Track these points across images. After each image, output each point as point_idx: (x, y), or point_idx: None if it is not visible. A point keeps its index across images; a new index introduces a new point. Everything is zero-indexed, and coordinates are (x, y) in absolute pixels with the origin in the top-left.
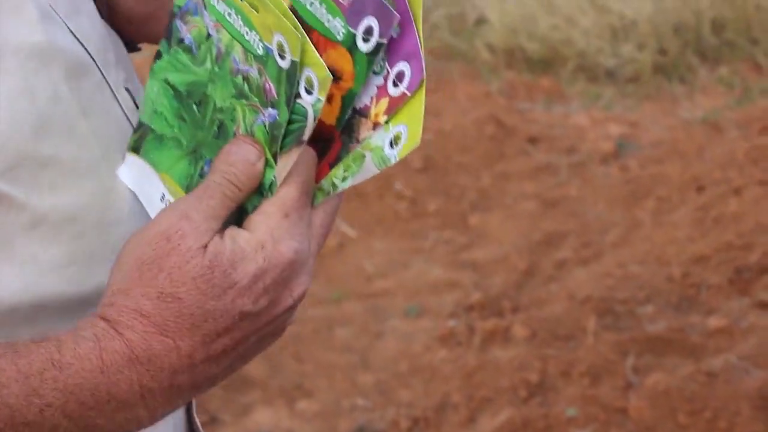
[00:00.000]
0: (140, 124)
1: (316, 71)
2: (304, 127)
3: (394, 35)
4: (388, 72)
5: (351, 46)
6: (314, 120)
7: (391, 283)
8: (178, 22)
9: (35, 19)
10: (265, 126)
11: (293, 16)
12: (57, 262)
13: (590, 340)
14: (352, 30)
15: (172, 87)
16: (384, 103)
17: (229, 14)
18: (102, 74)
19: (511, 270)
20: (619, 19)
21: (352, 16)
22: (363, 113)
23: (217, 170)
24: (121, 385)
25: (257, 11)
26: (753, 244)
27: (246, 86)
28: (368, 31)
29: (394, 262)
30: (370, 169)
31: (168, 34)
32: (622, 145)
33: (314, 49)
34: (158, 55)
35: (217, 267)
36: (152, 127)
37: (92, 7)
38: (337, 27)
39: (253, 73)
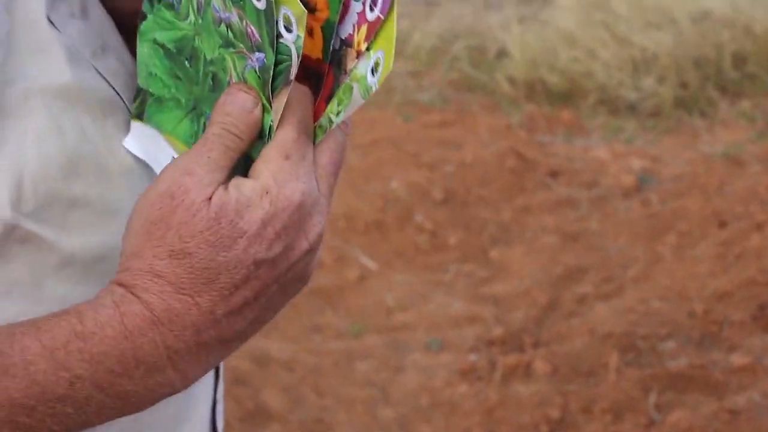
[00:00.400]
0: (138, 90)
1: (291, 8)
2: (290, 65)
3: None
4: None
5: None
6: (298, 57)
7: (412, 317)
8: None
9: (62, 59)
10: (255, 71)
11: None
12: (84, 300)
13: (612, 377)
14: None
15: (162, 46)
16: (364, 30)
17: None
18: (129, 112)
19: (532, 304)
20: (640, 53)
21: None
22: (348, 43)
23: (215, 122)
24: (146, 348)
25: None
26: None
27: (230, 34)
28: None
29: (415, 295)
30: (357, 100)
31: None
32: (644, 179)
33: None
34: (143, 17)
35: (224, 217)
36: (150, 90)
37: (120, 42)
38: None
39: (234, 19)
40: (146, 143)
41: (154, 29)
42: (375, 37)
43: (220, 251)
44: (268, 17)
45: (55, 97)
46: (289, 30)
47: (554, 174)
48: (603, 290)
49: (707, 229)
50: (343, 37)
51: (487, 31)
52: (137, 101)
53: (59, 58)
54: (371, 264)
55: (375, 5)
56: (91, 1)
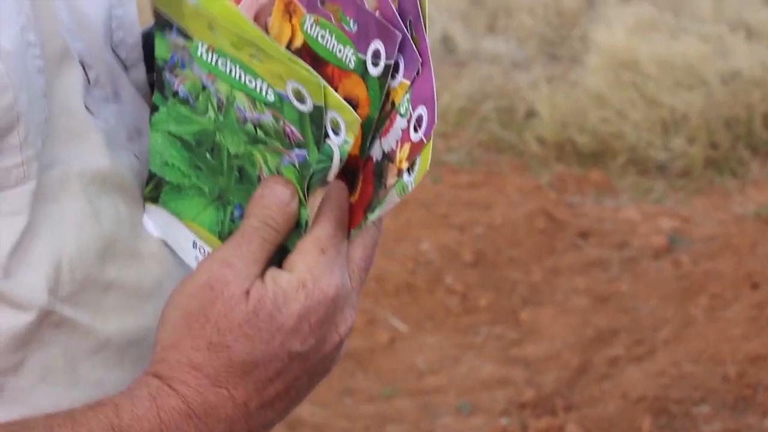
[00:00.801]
0: (152, 175)
1: (342, 114)
2: (329, 167)
3: (416, 74)
4: (411, 115)
5: (363, 72)
6: (341, 161)
7: (443, 380)
8: (167, 75)
9: (100, 144)
10: (294, 166)
11: (301, 61)
12: (120, 385)
13: None
14: (362, 56)
15: (179, 138)
16: (406, 148)
17: (224, 65)
18: None
19: (563, 367)
20: (669, 113)
21: (359, 43)
22: (390, 158)
23: (253, 214)
24: None
25: (260, 61)
26: None
27: (260, 132)
28: (376, 55)
29: (446, 357)
30: (393, 199)
31: (160, 86)
32: (675, 239)
33: (335, 92)
34: (155, 108)
35: (262, 311)
36: (166, 178)
37: None
38: (348, 55)
39: (267, 119)
40: (164, 225)
41: (168, 121)
42: (415, 161)
43: (257, 345)
44: (316, 120)
45: (92, 181)
46: (336, 133)
47: (584, 235)
48: (635, 353)
49: (740, 291)
50: (386, 151)
51: (515, 92)
52: (150, 185)
53: (96, 142)
54: (402, 326)
55: (419, 127)
56: (124, 85)
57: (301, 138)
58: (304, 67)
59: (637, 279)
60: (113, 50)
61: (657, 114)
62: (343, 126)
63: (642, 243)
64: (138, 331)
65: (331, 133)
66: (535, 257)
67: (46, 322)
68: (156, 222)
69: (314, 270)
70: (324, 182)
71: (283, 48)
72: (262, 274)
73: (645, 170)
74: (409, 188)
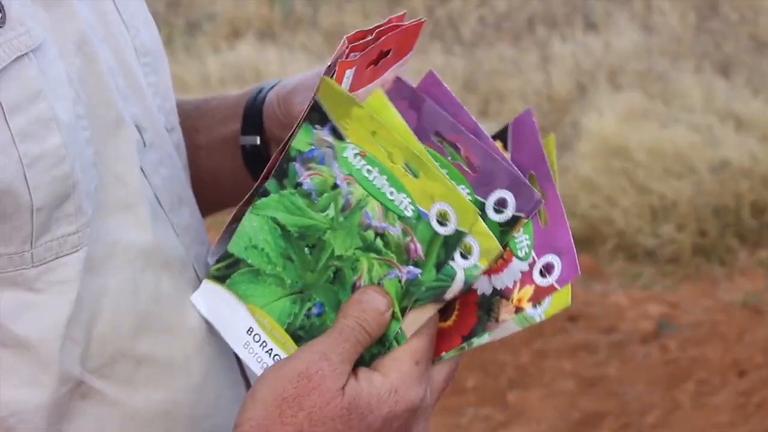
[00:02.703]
0: (228, 255)
1: (481, 240)
2: (448, 287)
3: (542, 224)
4: (535, 261)
5: (480, 214)
6: (464, 284)
7: None
8: (296, 166)
9: (146, 217)
10: (399, 281)
11: (458, 188)
12: None
13: None
14: (480, 198)
15: (281, 227)
16: (529, 290)
17: (369, 171)
18: (194, 270)
19: None
20: (659, 200)
21: (479, 187)
22: (504, 295)
23: (351, 315)
24: None
25: (416, 176)
26: None
27: (379, 242)
28: (501, 203)
29: None
30: (511, 328)
31: (280, 174)
32: (662, 325)
33: (483, 221)
34: (264, 193)
35: (355, 410)
36: (248, 261)
37: (192, 195)
38: (463, 194)
39: (393, 231)
40: (218, 305)
41: (276, 208)
42: (548, 301)
43: None
44: (450, 243)
45: (137, 256)
46: (464, 257)
47: (572, 318)
48: None
49: (727, 378)
50: (499, 288)
51: None
52: (222, 264)
53: (143, 214)
54: None
55: (549, 273)
56: (170, 149)
57: (423, 258)
58: (461, 194)
59: (624, 363)
60: None
61: (646, 201)
62: (476, 251)
63: (630, 328)
64: (165, 404)
65: (457, 256)
66: (523, 339)
67: (76, 393)
68: (208, 301)
69: (406, 379)
70: (438, 300)
71: (443, 171)
72: (353, 372)
73: (634, 256)
74: (537, 319)
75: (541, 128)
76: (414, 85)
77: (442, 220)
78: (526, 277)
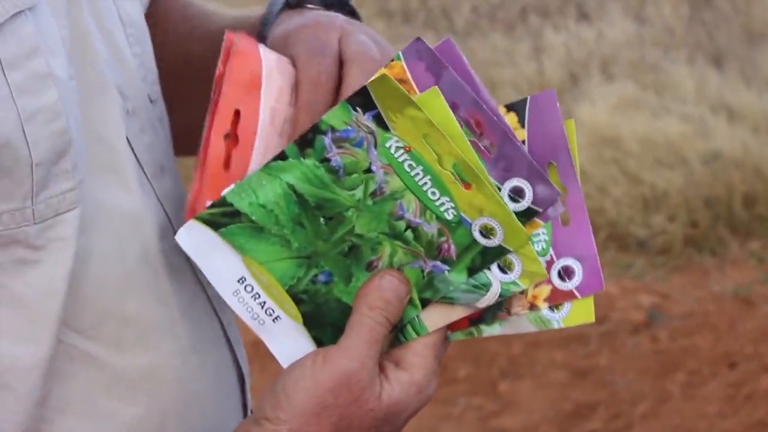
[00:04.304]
0: (225, 202)
1: (525, 262)
2: (482, 295)
3: (563, 225)
4: (553, 260)
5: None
6: (499, 297)
7: None
8: (326, 141)
9: (132, 180)
10: (422, 271)
11: (509, 208)
12: (132, 420)
13: None
14: (495, 182)
15: (298, 194)
16: (545, 289)
17: (411, 167)
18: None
19: None
20: (650, 191)
21: (493, 170)
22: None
23: (376, 307)
24: None
25: (468, 185)
26: None
27: (410, 234)
28: (517, 192)
29: (424, 428)
30: (525, 327)
31: (303, 143)
32: (653, 315)
33: (533, 247)
34: (282, 156)
35: (390, 416)
36: (252, 217)
37: (174, 163)
38: (514, 216)
39: (429, 228)
40: (206, 248)
41: (295, 175)
42: (563, 307)
43: None
44: (490, 255)
45: (122, 219)
46: (503, 270)
47: None
48: (612, 427)
49: (717, 369)
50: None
51: None
52: (217, 210)
53: (129, 178)
54: None
55: (568, 278)
56: (153, 119)
57: (455, 259)
58: (513, 215)
59: (615, 354)
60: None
61: (638, 191)
62: (518, 269)
63: (620, 318)
64: (151, 367)
65: (495, 267)
66: None
67: (62, 353)
68: (195, 241)
69: (429, 375)
70: (470, 306)
71: (494, 188)
72: (380, 369)
73: (625, 246)
74: (554, 325)
75: None
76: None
77: (487, 233)
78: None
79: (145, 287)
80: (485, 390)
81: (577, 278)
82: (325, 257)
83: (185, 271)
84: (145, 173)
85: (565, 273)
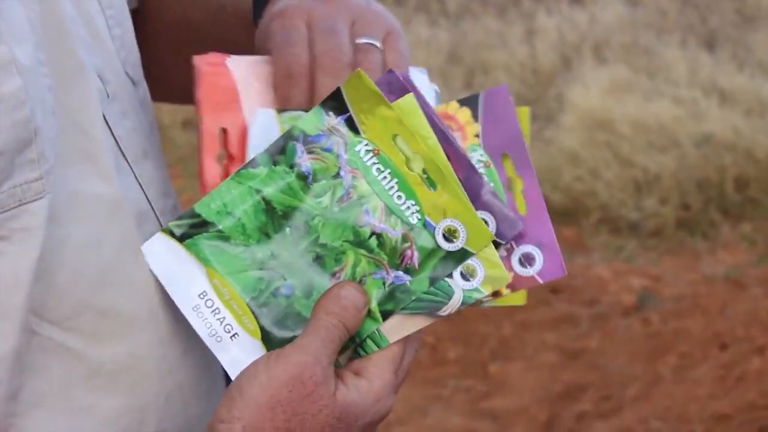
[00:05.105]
0: (193, 214)
1: (488, 266)
2: (444, 303)
3: (521, 212)
4: (512, 247)
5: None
6: (462, 304)
7: (410, 431)
8: (297, 146)
9: (109, 168)
10: (384, 283)
11: (474, 210)
12: (112, 412)
13: None
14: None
15: (266, 202)
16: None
17: (379, 171)
18: (159, 222)
19: (530, 421)
20: (642, 174)
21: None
22: None
23: (333, 313)
24: None
25: (434, 188)
26: None
27: (374, 241)
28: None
29: (413, 409)
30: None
31: (276, 150)
32: (645, 298)
33: (495, 250)
34: (252, 163)
35: (345, 418)
36: (219, 226)
37: (158, 148)
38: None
39: (392, 234)
40: (170, 261)
41: (264, 183)
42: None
43: None
44: (452, 260)
45: (99, 207)
46: (466, 278)
47: (555, 291)
48: (602, 409)
49: (708, 351)
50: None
51: None
52: (185, 222)
53: (106, 165)
54: None
55: (529, 264)
56: (134, 102)
57: (416, 267)
58: (477, 215)
59: (606, 336)
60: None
61: (630, 174)
62: (480, 275)
63: (612, 300)
64: (131, 358)
65: (457, 275)
66: (506, 311)
67: (35, 345)
68: (159, 253)
69: (387, 387)
70: (431, 314)
71: (460, 187)
72: (337, 374)
73: (617, 229)
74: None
75: (525, 101)
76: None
77: (449, 236)
78: (504, 263)
79: (123, 277)
80: (475, 372)
81: (538, 264)
82: (289, 268)
83: None
84: (126, 158)
85: (526, 260)
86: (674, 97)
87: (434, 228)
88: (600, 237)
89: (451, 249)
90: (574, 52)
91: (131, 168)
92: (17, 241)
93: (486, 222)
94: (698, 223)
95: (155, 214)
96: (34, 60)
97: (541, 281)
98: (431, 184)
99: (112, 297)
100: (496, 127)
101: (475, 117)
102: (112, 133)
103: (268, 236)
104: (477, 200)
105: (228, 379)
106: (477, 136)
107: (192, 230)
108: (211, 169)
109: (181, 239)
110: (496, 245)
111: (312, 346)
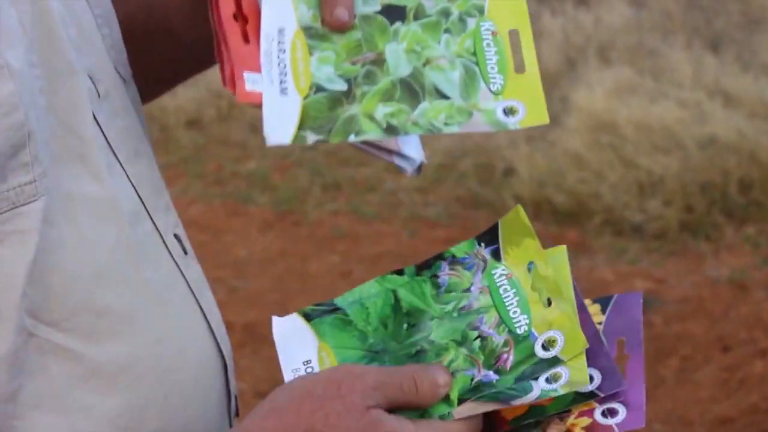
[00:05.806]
0: (331, 305)
1: (572, 373)
2: (518, 397)
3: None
4: (602, 401)
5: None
6: (536, 399)
7: None
8: (444, 265)
9: (101, 168)
10: (471, 379)
11: (578, 320)
12: (111, 412)
13: None
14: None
15: (397, 299)
16: (585, 421)
17: (506, 290)
18: (152, 221)
19: None
20: (646, 176)
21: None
22: (560, 414)
23: (413, 369)
24: None
25: (548, 305)
26: None
27: (477, 343)
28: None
29: None
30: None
31: (424, 266)
32: (648, 300)
33: (584, 358)
34: (400, 272)
35: (368, 428)
36: (348, 312)
37: (150, 147)
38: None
39: (497, 339)
40: (290, 333)
41: (402, 286)
42: None
43: None
44: (543, 366)
45: (92, 208)
46: (549, 382)
47: None
48: None
49: (711, 354)
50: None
51: (494, 150)
52: (320, 308)
53: (98, 165)
54: None
55: (612, 416)
56: (126, 101)
57: (507, 369)
58: (579, 327)
59: None
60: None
61: (634, 176)
62: (564, 380)
63: None
64: (128, 357)
65: (542, 378)
66: None
67: (33, 347)
68: (285, 327)
69: None
70: (503, 401)
71: (575, 309)
72: (388, 410)
73: (620, 231)
74: None
75: None
76: None
77: (548, 345)
78: (588, 412)
79: (119, 276)
80: None
81: (620, 418)
82: (391, 356)
83: (161, 256)
84: (117, 158)
85: (609, 413)
86: (678, 99)
87: (536, 338)
88: (604, 239)
89: (543, 356)
90: (579, 53)
91: (123, 168)
92: (11, 243)
93: (592, 377)
94: (702, 226)
95: (148, 213)
96: (26, 62)
97: (617, 431)
98: (548, 303)
99: (108, 297)
100: (620, 318)
101: (603, 312)
102: (104, 133)
103: (385, 327)
104: (590, 356)
105: (228, 379)
106: (600, 323)
107: (323, 314)
108: (231, 25)
109: (308, 318)
110: (593, 396)
111: (365, 368)
